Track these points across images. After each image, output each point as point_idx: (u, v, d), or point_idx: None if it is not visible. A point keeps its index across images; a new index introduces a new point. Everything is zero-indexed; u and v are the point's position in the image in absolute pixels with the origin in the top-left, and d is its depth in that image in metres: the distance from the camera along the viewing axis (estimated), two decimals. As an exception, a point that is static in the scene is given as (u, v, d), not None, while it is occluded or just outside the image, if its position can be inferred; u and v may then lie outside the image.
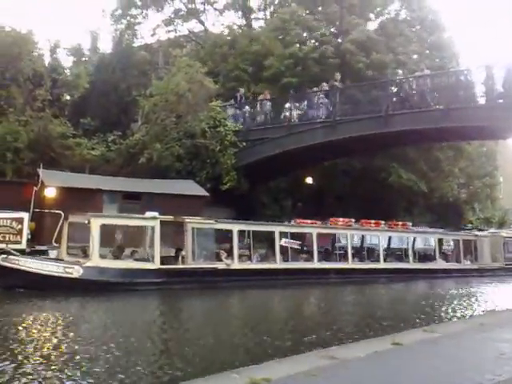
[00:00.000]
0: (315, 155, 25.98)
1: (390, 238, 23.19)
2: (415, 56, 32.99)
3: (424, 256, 24.37)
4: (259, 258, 19.12)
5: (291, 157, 24.83)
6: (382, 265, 21.33)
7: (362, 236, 22.69)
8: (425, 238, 26.24)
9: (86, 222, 15.13)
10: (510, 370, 5.87)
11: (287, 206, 30.03)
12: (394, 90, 24.62)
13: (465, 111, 21.29)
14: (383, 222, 22.71)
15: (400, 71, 27.53)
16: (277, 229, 19.11)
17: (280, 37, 31.67)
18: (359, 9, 32.66)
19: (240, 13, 36.97)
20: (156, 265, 15.82)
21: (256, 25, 37.53)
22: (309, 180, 30.41)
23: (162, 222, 16.17)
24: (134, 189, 20.48)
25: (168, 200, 19.80)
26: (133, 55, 30.39)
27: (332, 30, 33.23)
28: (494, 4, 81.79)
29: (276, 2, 36.79)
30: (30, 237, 16.45)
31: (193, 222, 16.82)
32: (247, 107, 27.59)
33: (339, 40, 31.82)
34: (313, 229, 20.04)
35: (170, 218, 16.64)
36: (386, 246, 22.83)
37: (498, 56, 73.55)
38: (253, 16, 37.43)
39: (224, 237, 18.18)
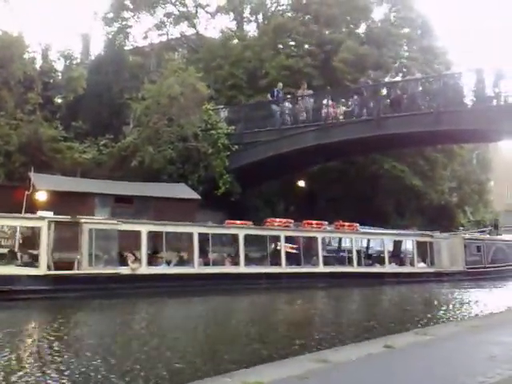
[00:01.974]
0: (307, 158, 26.04)
1: (329, 240, 22.00)
2: (405, 60, 33.12)
3: (375, 259, 22.53)
4: (175, 262, 17.39)
5: (283, 160, 24.86)
6: (321, 269, 19.45)
7: (301, 238, 20.49)
8: (381, 240, 23.39)
9: None
10: (501, 372, 5.90)
11: (280, 209, 30.05)
12: (385, 93, 24.72)
13: (456, 114, 21.42)
14: (327, 222, 21.10)
15: (388, 77, 27.49)
16: (195, 230, 17.35)
17: (274, 49, 31.88)
18: (341, 20, 32.67)
19: (232, 15, 36.97)
20: (42, 270, 14.25)
21: (248, 28, 37.63)
22: (301, 183, 30.44)
23: (55, 223, 14.93)
24: (125, 192, 20.39)
25: (160, 203, 19.74)
26: (125, 58, 30.33)
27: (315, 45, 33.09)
28: (484, 8, 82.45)
29: (268, 6, 36.85)
30: None
31: (90, 223, 15.42)
32: (287, 103, 26.40)
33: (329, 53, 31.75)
34: (240, 230, 18.31)
35: (63, 218, 15.29)
36: (327, 248, 21.46)
37: (488, 59, 74.03)
38: (245, 19, 37.44)
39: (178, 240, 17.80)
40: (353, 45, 30.68)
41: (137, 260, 16.10)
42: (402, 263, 22.55)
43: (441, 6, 71.87)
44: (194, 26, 36.82)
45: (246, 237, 18.32)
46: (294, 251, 20.19)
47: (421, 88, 23.81)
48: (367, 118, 23.77)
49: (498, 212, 49.53)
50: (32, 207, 17.27)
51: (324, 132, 24.15)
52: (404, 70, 30.43)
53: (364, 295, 18.95)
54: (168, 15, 36.11)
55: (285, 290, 17.64)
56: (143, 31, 36.21)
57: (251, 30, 37.33)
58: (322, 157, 26.74)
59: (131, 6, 35.06)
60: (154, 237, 17.01)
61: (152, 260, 16.68)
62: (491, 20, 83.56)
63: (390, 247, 23.04)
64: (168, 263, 17.11)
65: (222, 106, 29.06)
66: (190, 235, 17.20)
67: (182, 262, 17.50)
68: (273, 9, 36.57)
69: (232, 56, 32.24)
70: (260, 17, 37.03)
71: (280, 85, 27.02)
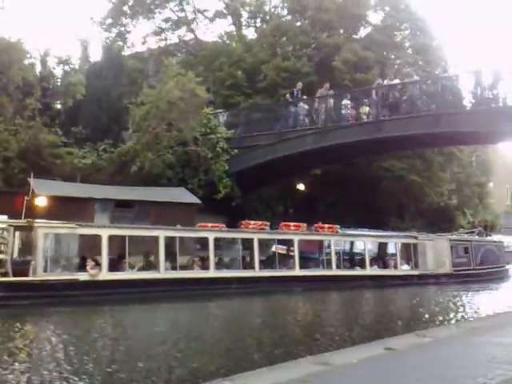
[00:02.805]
0: (306, 162, 26.06)
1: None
2: (404, 61, 33.19)
3: (356, 261, 21.48)
4: (140, 267, 16.51)
5: (283, 163, 24.89)
6: (297, 272, 18.62)
7: (277, 241, 20.02)
8: (363, 242, 22.26)
9: None
10: (501, 373, 5.90)
11: (279, 212, 30.07)
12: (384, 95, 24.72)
13: (455, 117, 21.45)
14: (305, 224, 20.22)
15: (387, 80, 27.50)
16: (161, 233, 16.40)
17: (272, 51, 31.95)
18: (338, 25, 32.74)
19: (230, 19, 37.08)
20: None
21: (246, 32, 37.73)
22: (300, 186, 30.47)
23: (14, 228, 14.35)
24: (125, 197, 20.42)
25: (160, 208, 19.77)
26: (123, 64, 30.40)
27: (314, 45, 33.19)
28: (481, 9, 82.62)
29: (267, 10, 36.96)
30: None
31: (46, 227, 14.67)
32: (301, 103, 25.87)
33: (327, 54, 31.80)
34: (210, 233, 17.37)
35: (18, 222, 14.73)
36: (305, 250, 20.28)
37: (486, 60, 74.15)
38: (243, 23, 37.54)
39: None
40: (354, 47, 30.78)
41: (97, 265, 15.29)
42: (385, 266, 21.74)
43: (439, 6, 72.03)
44: (192, 31, 36.93)
45: (217, 240, 17.56)
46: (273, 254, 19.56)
47: (419, 91, 23.82)
48: (366, 121, 23.82)
49: (498, 214, 49.59)
50: (32, 213, 17.28)
51: (323, 135, 24.18)
52: (403, 71, 30.43)
53: (339, 299, 17.99)
54: (166, 20, 36.21)
55: (257, 294, 16.64)
56: (142, 36, 36.37)
57: (250, 34, 37.46)
58: (322, 160, 26.77)
59: (129, 12, 35.15)
60: (118, 241, 16.09)
61: (115, 265, 15.79)
62: (490, 20, 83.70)
63: (371, 249, 22.16)
64: (132, 268, 16.28)
65: (221, 110, 29.11)
66: (156, 239, 16.24)
67: (146, 267, 16.61)
68: (271, 10, 36.62)
69: (232, 57, 32.33)
70: (258, 21, 37.14)
71: (300, 84, 26.36)
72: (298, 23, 33.67)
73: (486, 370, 6.06)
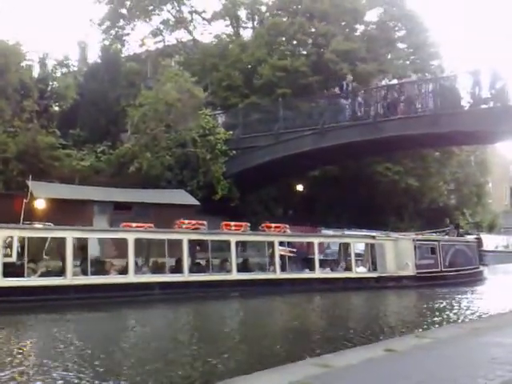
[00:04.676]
0: (305, 162, 26.06)
1: (245, 244, 19.73)
2: (401, 61, 33.24)
3: (306, 264, 19.85)
4: (40, 273, 14.91)
5: (281, 164, 24.89)
6: (234, 276, 17.21)
7: (209, 242, 17.63)
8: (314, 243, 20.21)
9: None
10: (502, 374, 5.89)
11: (279, 213, 30.07)
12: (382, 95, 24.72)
13: (453, 117, 21.47)
14: (249, 223, 18.84)
15: (386, 80, 27.51)
16: (69, 234, 14.95)
17: (269, 50, 31.93)
18: (334, 17, 32.70)
19: (228, 21, 37.06)
20: None
21: (244, 34, 37.70)
22: (299, 187, 30.48)
23: None
24: (124, 199, 20.43)
25: (159, 209, 19.77)
26: (121, 65, 30.41)
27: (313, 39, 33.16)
28: (479, 8, 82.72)
29: (264, 10, 36.93)
30: None
31: None
32: (359, 98, 24.84)
33: (323, 50, 31.85)
34: (129, 234, 15.79)
35: None
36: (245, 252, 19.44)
37: (484, 59, 74.30)
38: (241, 24, 37.52)
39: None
40: (345, 39, 30.77)
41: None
42: (347, 268, 20.04)
43: (438, 7, 72.12)
44: (190, 33, 36.92)
45: (139, 241, 15.98)
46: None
47: (417, 90, 23.83)
48: (364, 121, 23.82)
49: (497, 213, 49.65)
50: (30, 216, 17.26)
51: (321, 136, 24.17)
52: (400, 70, 30.47)
53: (275, 305, 16.24)
54: (164, 22, 36.21)
55: (186, 300, 15.27)
56: (139, 38, 36.38)
57: (247, 35, 37.42)
58: (320, 161, 26.78)
59: (127, 14, 35.16)
60: (20, 244, 14.69)
61: (13, 271, 14.31)
62: (488, 20, 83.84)
63: (333, 251, 21.01)
64: (33, 274, 14.67)
65: (219, 112, 29.10)
66: (63, 240, 14.87)
67: (51, 272, 15.18)
68: (265, 12, 36.56)
69: (228, 56, 32.29)
70: (256, 22, 37.11)
71: (350, 77, 25.80)
72: (293, 19, 33.38)
73: (487, 370, 6.05)
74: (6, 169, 21.85)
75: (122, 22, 35.30)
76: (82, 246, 15.40)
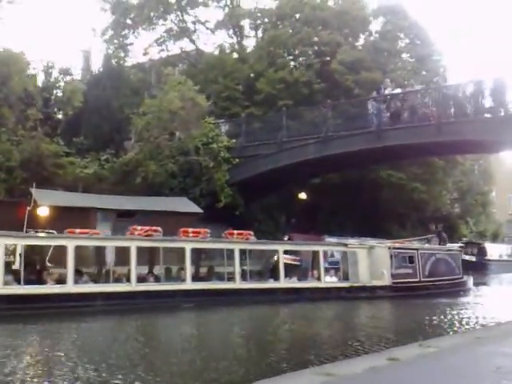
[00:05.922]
0: (308, 171, 26.07)
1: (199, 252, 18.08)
2: (405, 72, 33.26)
3: (271, 273, 18.55)
4: None
5: (284, 173, 24.91)
6: (188, 285, 15.92)
7: (161, 249, 16.32)
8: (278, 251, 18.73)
9: None
10: (507, 383, 5.84)
11: (282, 221, 30.04)
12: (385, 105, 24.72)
13: (457, 125, 21.46)
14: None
15: (390, 89, 27.52)
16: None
17: (270, 62, 32.06)
18: (336, 25, 32.79)
19: (231, 31, 37.21)
20: None
21: (247, 43, 37.85)
22: (302, 195, 30.45)
23: None
24: (127, 206, 20.46)
25: (162, 217, 19.74)
26: (125, 74, 30.54)
27: (316, 49, 33.23)
28: (481, 17, 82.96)
29: (267, 21, 37.05)
30: None
31: None
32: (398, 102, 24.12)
33: (327, 58, 31.90)
34: (69, 241, 14.72)
35: None
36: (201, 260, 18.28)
37: (487, 69, 74.38)
38: (245, 34, 37.67)
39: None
40: (350, 48, 30.83)
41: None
42: (306, 277, 18.82)
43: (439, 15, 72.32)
44: (193, 42, 37.08)
45: (79, 249, 14.92)
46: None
47: (420, 99, 23.84)
48: (367, 130, 23.81)
49: (501, 222, 49.50)
50: (34, 223, 17.28)
51: (324, 144, 24.18)
52: (404, 80, 30.51)
53: (229, 317, 14.92)
54: (167, 31, 36.38)
55: (132, 312, 14.04)
56: (143, 47, 36.54)
57: (251, 44, 37.57)
58: (323, 169, 26.78)
59: (130, 23, 35.34)
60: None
61: None
62: (491, 29, 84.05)
63: (280, 259, 18.89)
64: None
65: (222, 120, 29.18)
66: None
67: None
68: (267, 21, 36.67)
69: (227, 68, 32.39)
70: (260, 32, 37.25)
71: (387, 81, 25.46)
72: (293, 28, 33.41)
73: (492, 380, 6.00)
74: (10, 177, 21.93)
75: (125, 31, 35.48)
76: (32, 254, 14.99)
